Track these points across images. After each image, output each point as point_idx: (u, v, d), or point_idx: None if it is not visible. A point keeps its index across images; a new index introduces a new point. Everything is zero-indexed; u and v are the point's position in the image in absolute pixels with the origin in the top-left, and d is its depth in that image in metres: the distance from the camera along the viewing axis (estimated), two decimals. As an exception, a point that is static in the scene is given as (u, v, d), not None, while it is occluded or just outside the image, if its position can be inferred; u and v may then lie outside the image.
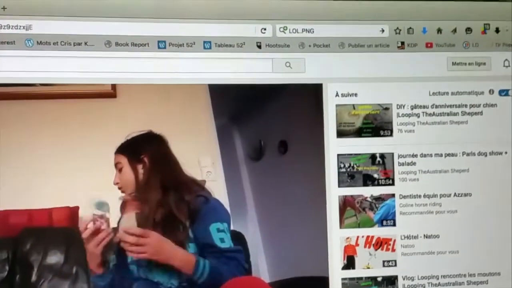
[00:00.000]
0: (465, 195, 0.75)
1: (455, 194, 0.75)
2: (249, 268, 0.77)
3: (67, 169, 0.81)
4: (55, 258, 0.83)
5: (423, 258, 0.75)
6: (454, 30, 0.75)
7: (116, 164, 0.81)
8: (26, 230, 0.83)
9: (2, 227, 0.82)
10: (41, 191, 0.82)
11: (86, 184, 0.81)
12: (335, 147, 0.73)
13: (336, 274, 0.73)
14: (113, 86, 0.76)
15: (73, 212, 0.83)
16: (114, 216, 0.80)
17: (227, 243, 0.76)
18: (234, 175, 0.81)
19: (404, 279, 0.74)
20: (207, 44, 0.71)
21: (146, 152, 0.81)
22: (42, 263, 0.82)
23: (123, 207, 0.81)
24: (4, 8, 0.68)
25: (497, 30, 0.76)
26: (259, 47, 0.72)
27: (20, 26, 0.68)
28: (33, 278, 0.82)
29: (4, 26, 0.68)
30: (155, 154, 0.81)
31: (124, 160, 0.81)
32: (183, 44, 0.70)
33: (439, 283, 0.75)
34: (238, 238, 0.78)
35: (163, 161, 0.80)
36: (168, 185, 0.79)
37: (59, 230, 0.84)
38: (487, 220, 0.76)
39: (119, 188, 0.81)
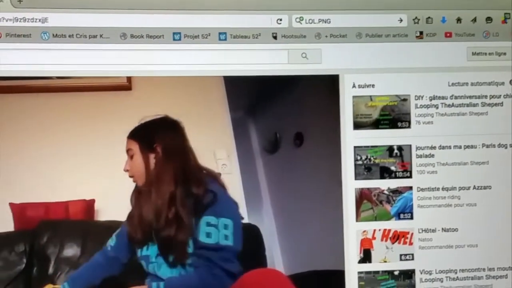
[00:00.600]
0: (485, 187, 0.74)
1: (474, 187, 0.74)
2: (238, 270, 0.73)
3: (83, 162, 0.82)
4: (71, 251, 0.83)
5: (441, 251, 0.74)
6: (474, 20, 0.73)
7: (127, 150, 0.78)
8: (43, 223, 0.84)
9: (20, 220, 0.83)
10: (57, 184, 0.82)
11: (102, 177, 0.82)
12: (351, 139, 0.72)
13: (352, 268, 0.72)
14: (128, 79, 0.76)
15: (89, 204, 0.83)
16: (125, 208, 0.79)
17: (213, 239, 0.72)
18: (249, 168, 0.81)
19: (421, 273, 0.73)
20: (223, 36, 0.70)
21: (159, 141, 0.77)
22: (59, 256, 0.83)
23: (134, 198, 0.78)
24: (20, 1, 0.68)
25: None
26: (275, 38, 0.71)
27: (36, 19, 0.68)
28: (50, 270, 0.83)
29: (20, 19, 0.68)
30: (169, 143, 0.77)
31: (135, 147, 0.77)
32: (198, 35, 0.70)
33: (457, 277, 0.74)
34: (252, 231, 0.78)
35: (177, 151, 0.76)
36: (179, 178, 0.75)
37: (76, 222, 0.84)
38: (507, 213, 0.75)
39: (130, 176, 0.78)
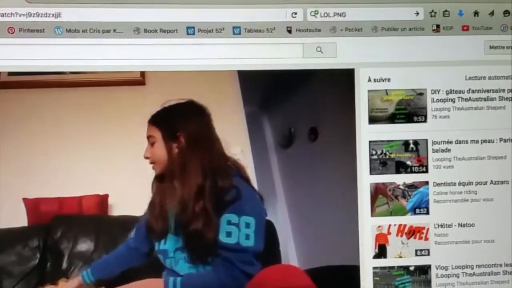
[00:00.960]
0: (502, 182, 0.73)
1: (491, 182, 0.73)
2: (257, 271, 0.72)
3: (97, 156, 0.82)
4: (85, 245, 0.83)
5: (458, 247, 0.73)
6: (492, 13, 0.72)
7: (148, 137, 0.74)
8: (56, 218, 0.84)
9: (34, 215, 0.83)
10: (71, 179, 0.82)
11: (116, 172, 0.82)
12: (367, 133, 0.72)
13: (367, 263, 0.72)
14: (142, 74, 0.76)
15: (102, 199, 0.84)
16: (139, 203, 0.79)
17: (234, 239, 0.70)
18: (263, 162, 0.80)
19: (437, 269, 0.73)
20: (237, 30, 0.70)
21: (183, 129, 0.72)
22: (73, 251, 0.84)
23: (155, 187, 0.76)
24: (33, -5, 0.68)
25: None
26: (290, 32, 0.70)
27: (49, 14, 0.68)
28: (64, 265, 0.83)
29: (34, 14, 0.68)
30: (194, 132, 0.72)
31: (157, 134, 0.73)
32: (212, 30, 0.70)
33: (473, 272, 0.73)
34: (266, 227, 0.77)
35: (202, 140, 0.72)
36: (207, 169, 0.71)
37: (89, 217, 0.85)
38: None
39: (151, 163, 0.75)
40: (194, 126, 0.73)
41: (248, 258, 0.71)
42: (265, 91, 0.77)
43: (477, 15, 0.72)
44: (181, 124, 0.73)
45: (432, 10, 0.72)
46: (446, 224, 0.73)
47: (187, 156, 0.73)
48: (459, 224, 0.73)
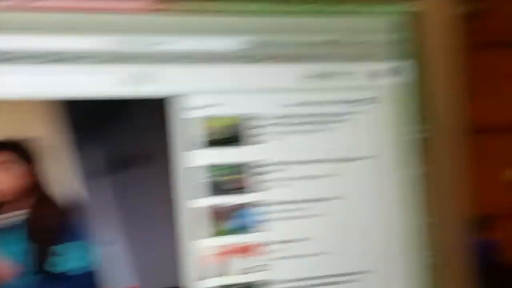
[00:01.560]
0: (333, 199, 0.77)
1: (323, 199, 0.76)
2: None
3: None
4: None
5: (292, 261, 0.76)
6: (311, 43, 0.75)
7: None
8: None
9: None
10: None
11: None
12: (194, 158, 0.72)
13: (194, 285, 0.73)
14: None
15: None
16: None
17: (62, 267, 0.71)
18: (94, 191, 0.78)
19: (269, 285, 0.75)
20: (53, 56, 0.68)
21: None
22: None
23: None
24: None
25: (357, 43, 0.77)
26: (108, 60, 0.69)
27: None
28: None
29: None
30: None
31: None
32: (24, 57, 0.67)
33: (307, 285, 0.77)
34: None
35: None
36: None
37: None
38: (355, 222, 0.78)
39: None
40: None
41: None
42: (89, 118, 0.75)
43: (296, 45, 0.75)
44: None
45: (251, 40, 0.73)
46: (276, 241, 0.75)
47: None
48: (289, 240, 0.75)
